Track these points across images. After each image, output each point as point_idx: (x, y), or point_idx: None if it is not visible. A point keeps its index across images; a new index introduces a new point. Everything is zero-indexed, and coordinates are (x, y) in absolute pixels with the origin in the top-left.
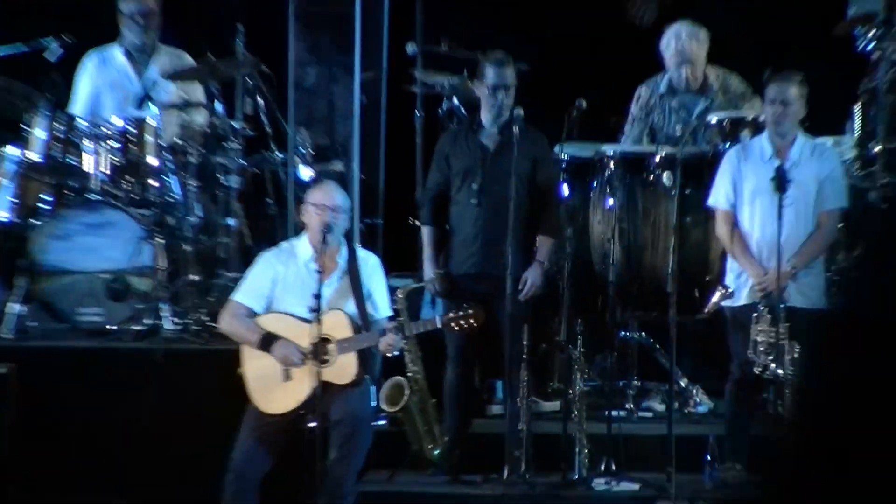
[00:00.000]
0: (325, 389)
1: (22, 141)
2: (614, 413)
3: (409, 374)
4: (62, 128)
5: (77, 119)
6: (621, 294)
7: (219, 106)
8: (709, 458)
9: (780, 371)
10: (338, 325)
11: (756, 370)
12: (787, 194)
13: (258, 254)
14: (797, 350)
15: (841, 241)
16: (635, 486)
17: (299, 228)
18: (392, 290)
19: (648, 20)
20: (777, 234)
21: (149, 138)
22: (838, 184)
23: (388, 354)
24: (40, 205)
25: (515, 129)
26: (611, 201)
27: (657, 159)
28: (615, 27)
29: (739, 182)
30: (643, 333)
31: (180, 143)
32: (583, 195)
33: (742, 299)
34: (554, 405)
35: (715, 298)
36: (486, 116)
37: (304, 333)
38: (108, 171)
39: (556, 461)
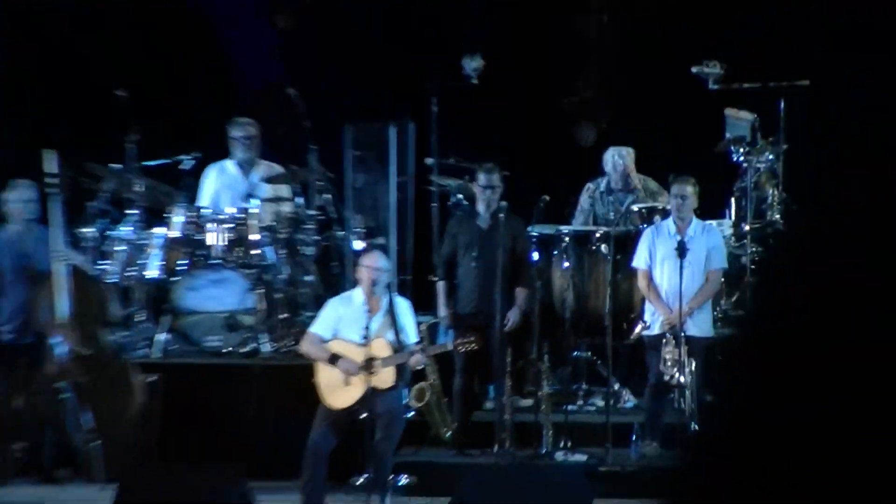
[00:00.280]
0: (372, 392)
1: (166, 224)
2: (570, 407)
3: (429, 381)
4: (193, 215)
5: (203, 209)
6: (574, 326)
7: (299, 200)
8: (634, 438)
9: (682, 379)
10: (381, 348)
11: (665, 378)
12: (686, 259)
13: (327, 299)
14: (694, 365)
15: (723, 290)
16: (584, 457)
17: (355, 282)
18: (418, 324)
19: (590, 142)
20: (679, 285)
21: (252, 222)
22: (721, 251)
23: (416, 368)
24: (178, 267)
25: (501, 216)
26: (566, 264)
27: (598, 235)
28: (568, 146)
29: (653, 250)
30: (589, 353)
31: (273, 224)
32: (547, 260)
33: (656, 330)
34: (528, 402)
35: (637, 329)
36: (480, 207)
37: (358, 353)
38: (225, 244)
39: (530, 440)
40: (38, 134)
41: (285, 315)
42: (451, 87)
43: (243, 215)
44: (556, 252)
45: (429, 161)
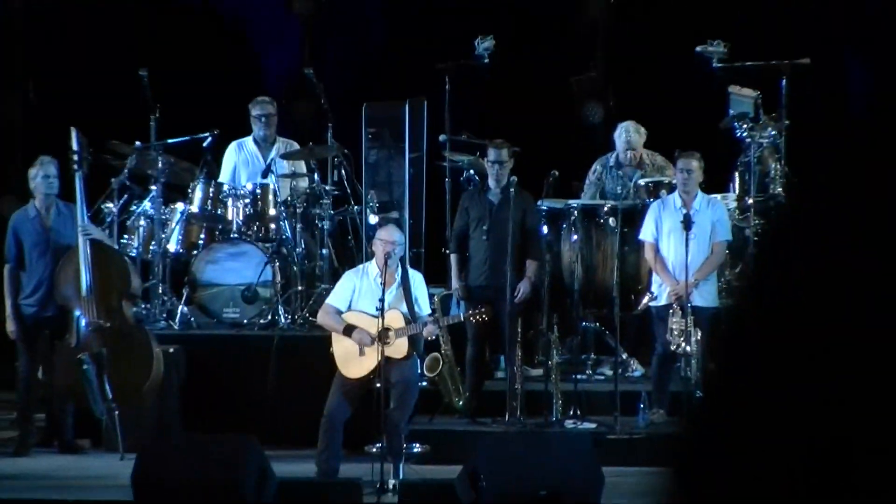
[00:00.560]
0: (387, 362)
1: (186, 199)
2: (579, 376)
3: (442, 351)
4: (213, 190)
5: (223, 185)
6: (582, 298)
7: (316, 175)
8: (641, 406)
9: (688, 348)
10: (395, 319)
11: (672, 348)
12: (691, 232)
13: (343, 272)
14: (699, 334)
15: (727, 261)
16: (593, 425)
17: (370, 255)
18: (431, 296)
19: (597, 119)
20: (685, 257)
21: (270, 197)
22: (725, 224)
23: (429, 338)
24: (199, 241)
25: (511, 190)
26: (575, 237)
27: (606, 209)
28: (576, 123)
29: (660, 223)
30: (597, 324)
31: (290, 200)
32: (556, 233)
33: (662, 301)
34: (538, 371)
35: (645, 300)
36: (491, 182)
37: (373, 324)
38: (243, 219)
39: (540, 409)
40: (63, 112)
41: (302, 287)
42: (464, 66)
43: (261, 191)
44: (564, 225)
45: (442, 138)
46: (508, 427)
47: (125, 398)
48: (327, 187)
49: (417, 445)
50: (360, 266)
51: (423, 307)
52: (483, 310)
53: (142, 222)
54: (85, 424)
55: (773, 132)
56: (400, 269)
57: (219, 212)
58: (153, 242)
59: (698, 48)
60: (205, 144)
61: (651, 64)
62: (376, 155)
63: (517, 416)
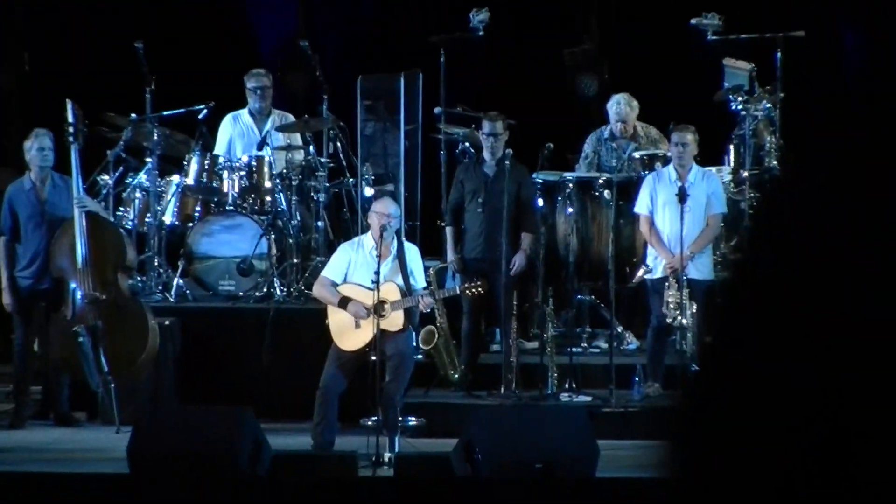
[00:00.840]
0: (382, 334)
1: (182, 172)
2: (574, 349)
3: (437, 324)
4: (208, 163)
5: (218, 157)
6: (577, 270)
7: (311, 148)
8: (637, 379)
9: (683, 321)
10: (391, 292)
11: (667, 321)
12: (686, 204)
13: (338, 245)
14: (694, 307)
15: (722, 234)
16: (588, 399)
17: (366, 228)
18: (426, 269)
19: (592, 92)
20: (680, 230)
21: (265, 170)
22: (720, 197)
23: (424, 311)
24: (194, 213)
25: (507, 163)
26: (570, 210)
27: (601, 182)
28: (571, 96)
29: (655, 196)
30: (592, 296)
31: (286, 172)
32: (551, 206)
33: (658, 273)
34: (533, 344)
35: (640, 273)
36: (486, 154)
37: (368, 297)
38: (238, 191)
39: (535, 382)
40: (58, 84)
41: (297, 260)
42: (459, 39)
43: (256, 163)
44: (559, 198)
45: (437, 110)
46: (504, 400)
47: (120, 371)
48: (322, 160)
49: (413, 418)
50: (356, 238)
51: (419, 280)
52: (479, 283)
53: (137, 195)
54: (81, 397)
55: (768, 105)
56: (395, 241)
57: (214, 184)
58: (148, 215)
59: (693, 20)
60: (200, 116)
61: (646, 36)
62: (372, 127)
63: (512, 390)
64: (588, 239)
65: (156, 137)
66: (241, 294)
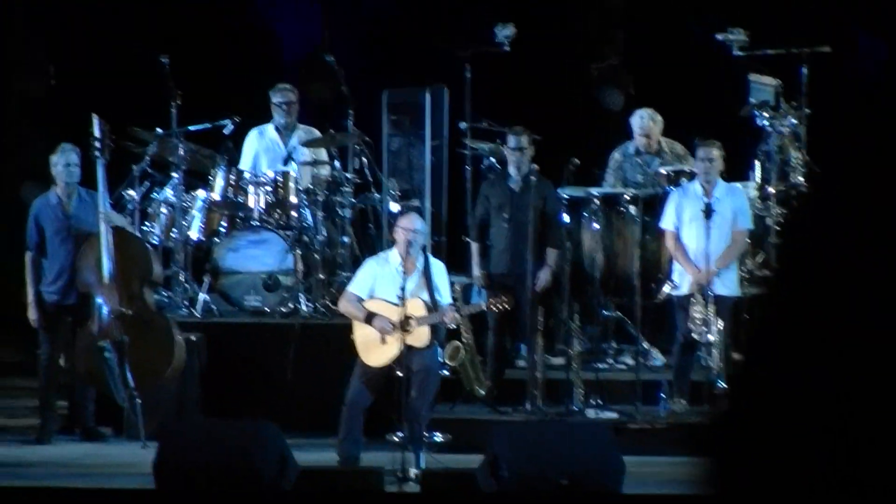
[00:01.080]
0: (408, 350)
1: (207, 186)
2: (600, 365)
3: (463, 340)
4: (234, 178)
5: (244, 172)
6: (603, 286)
7: (337, 163)
8: (662, 395)
9: (710, 337)
10: (417, 307)
11: (693, 336)
12: (712, 220)
13: (364, 260)
14: (721, 323)
15: (748, 250)
16: (614, 415)
17: (391, 243)
18: (452, 284)
19: (617, 106)
20: (706, 246)
21: (291, 185)
22: (746, 213)
23: (450, 327)
24: (220, 228)
25: (532, 178)
26: (596, 225)
27: (627, 197)
28: (596, 111)
29: (681, 212)
30: (618, 312)
31: (311, 187)
32: (577, 221)
33: (684, 289)
34: (559, 360)
35: (665, 289)
36: (511, 169)
37: (394, 312)
38: (264, 206)
39: (561, 397)
40: (84, 98)
41: (323, 275)
42: (484, 53)
43: (282, 178)
44: (585, 214)
45: (462, 125)
46: (529, 416)
47: (146, 386)
48: (348, 175)
49: (438, 434)
50: (381, 254)
51: (445, 296)
52: (505, 298)
53: (163, 209)
54: (106, 411)
55: (794, 121)
56: (422, 257)
57: (240, 199)
58: (174, 229)
59: (719, 35)
60: (225, 131)
61: (671, 52)
62: (398, 142)
63: (538, 405)
64: (614, 254)
65: (181, 152)
66: (266, 309)
